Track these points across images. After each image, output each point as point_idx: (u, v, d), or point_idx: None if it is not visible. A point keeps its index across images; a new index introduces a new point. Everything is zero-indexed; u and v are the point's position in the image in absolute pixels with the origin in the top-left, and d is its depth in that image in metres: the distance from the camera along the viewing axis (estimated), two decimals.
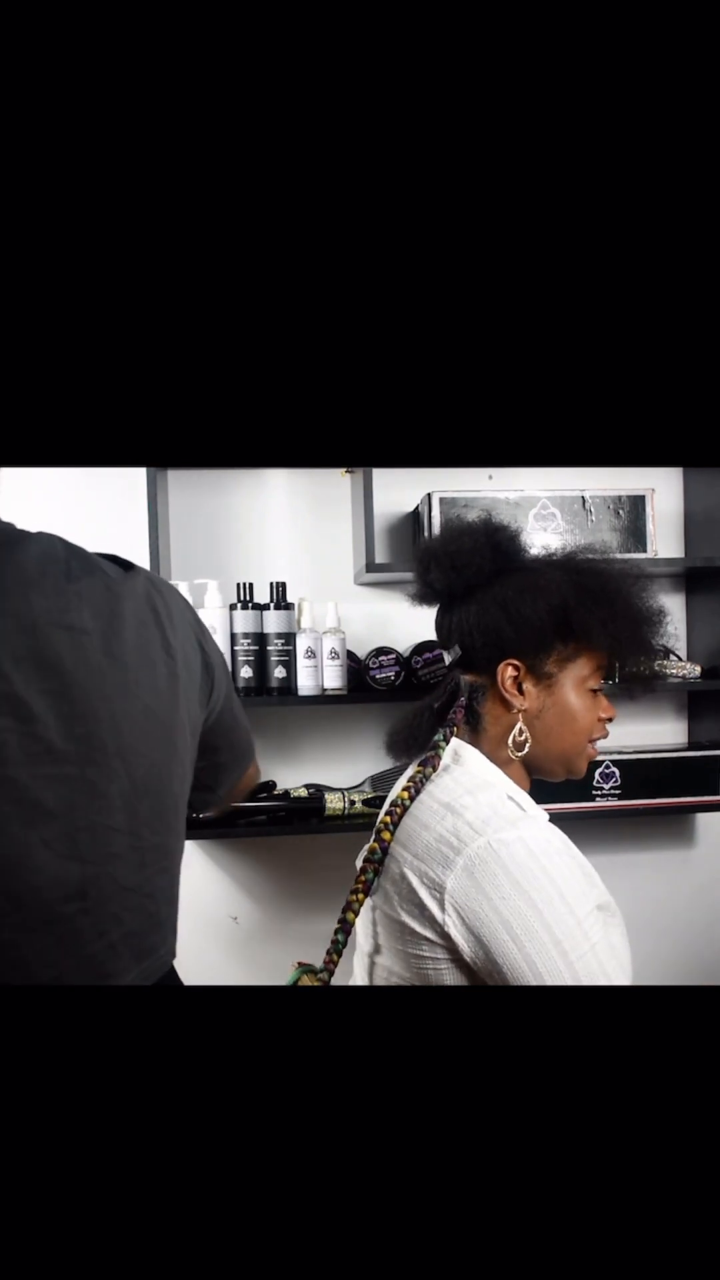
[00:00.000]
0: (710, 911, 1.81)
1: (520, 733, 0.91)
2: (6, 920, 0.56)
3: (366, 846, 0.92)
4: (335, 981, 0.93)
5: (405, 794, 0.88)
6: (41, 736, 0.60)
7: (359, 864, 0.92)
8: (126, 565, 0.75)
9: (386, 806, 0.92)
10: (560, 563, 0.96)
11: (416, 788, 0.88)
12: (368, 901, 0.89)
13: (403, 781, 0.93)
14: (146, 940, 0.67)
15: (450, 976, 0.82)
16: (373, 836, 0.90)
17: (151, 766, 0.67)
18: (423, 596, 1.00)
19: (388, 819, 0.88)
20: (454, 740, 0.92)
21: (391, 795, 0.96)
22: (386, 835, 0.87)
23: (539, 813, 0.88)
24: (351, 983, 0.96)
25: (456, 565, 0.93)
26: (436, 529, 1.52)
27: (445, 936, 0.80)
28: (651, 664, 1.00)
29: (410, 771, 0.92)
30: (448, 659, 0.95)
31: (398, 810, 0.87)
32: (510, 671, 0.91)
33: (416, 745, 0.94)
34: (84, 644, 0.64)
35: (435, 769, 0.89)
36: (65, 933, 0.60)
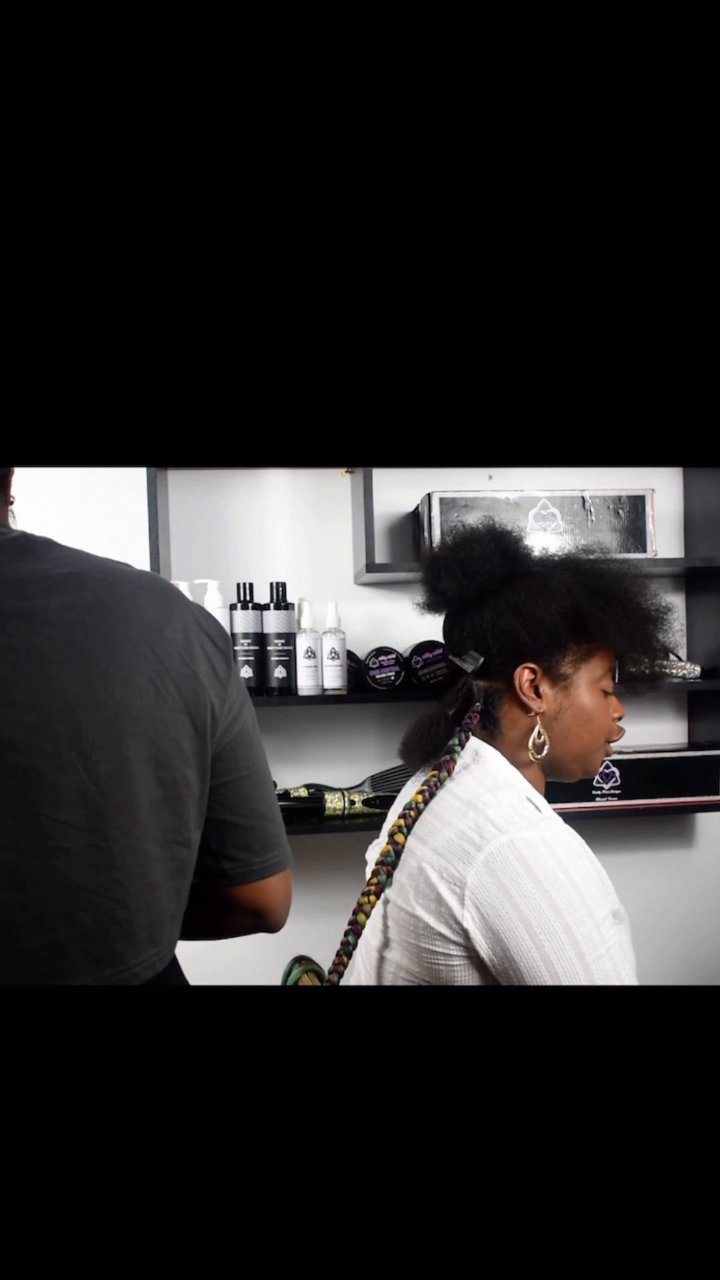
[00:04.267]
0: (710, 911, 1.81)
1: (539, 735, 0.92)
2: None
3: (377, 847, 0.92)
4: (341, 982, 0.93)
5: (420, 797, 0.88)
6: None
7: (369, 865, 0.92)
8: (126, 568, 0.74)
9: (400, 809, 0.91)
10: (566, 564, 0.96)
11: (431, 790, 0.88)
12: (376, 902, 0.89)
13: (416, 785, 0.93)
14: (109, 946, 0.64)
15: (462, 974, 0.82)
16: (385, 839, 0.90)
17: (121, 764, 0.65)
18: (433, 605, 1.01)
19: (401, 822, 0.88)
20: (472, 740, 0.92)
21: (404, 798, 0.96)
22: (401, 838, 0.87)
23: (554, 816, 0.88)
24: (356, 979, 0.96)
25: (468, 572, 0.94)
26: (436, 529, 1.53)
27: (463, 932, 0.80)
28: (656, 661, 1.00)
29: (424, 775, 0.92)
30: (466, 667, 0.94)
31: (412, 814, 0.87)
32: (527, 675, 0.91)
33: (433, 752, 0.94)
34: (43, 633, 0.63)
35: (450, 773, 0.89)
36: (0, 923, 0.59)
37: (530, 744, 0.92)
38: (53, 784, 0.60)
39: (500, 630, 0.92)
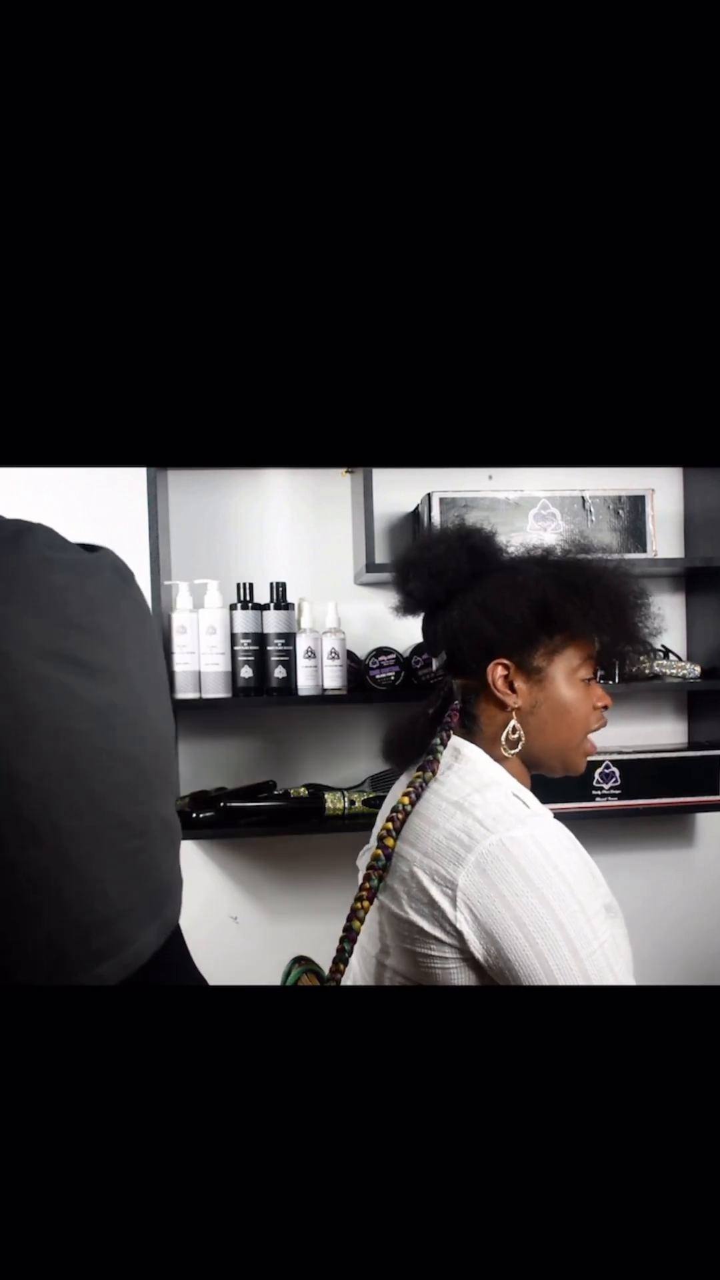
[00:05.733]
0: (710, 911, 1.81)
1: (514, 730, 0.92)
2: (93, 858, 0.59)
3: (368, 852, 0.92)
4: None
5: (406, 799, 0.88)
6: (99, 691, 0.63)
7: (361, 870, 0.92)
8: (92, 548, 0.78)
9: (387, 813, 0.91)
10: (538, 559, 0.96)
11: (417, 792, 0.88)
12: (371, 906, 0.89)
13: (401, 786, 0.93)
14: (179, 873, 0.70)
15: (457, 975, 0.82)
16: (375, 843, 0.90)
17: (164, 719, 0.70)
18: (405, 607, 1.01)
19: (389, 825, 0.87)
20: (454, 738, 0.92)
21: (391, 801, 0.95)
22: (390, 841, 0.87)
23: (543, 810, 0.88)
24: (353, 984, 0.96)
25: (434, 572, 0.94)
26: (436, 529, 1.53)
27: (457, 934, 0.80)
28: (640, 647, 1.00)
29: (409, 776, 0.92)
30: (436, 665, 0.95)
31: (399, 816, 0.87)
32: (500, 671, 0.91)
33: (413, 751, 0.95)
34: (101, 610, 0.67)
35: (434, 773, 0.89)
36: (134, 867, 0.63)
37: (504, 739, 0.92)
38: (143, 738, 0.66)
39: (469, 628, 0.92)
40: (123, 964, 0.55)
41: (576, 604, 0.90)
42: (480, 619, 0.91)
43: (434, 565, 0.94)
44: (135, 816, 0.63)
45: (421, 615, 1.01)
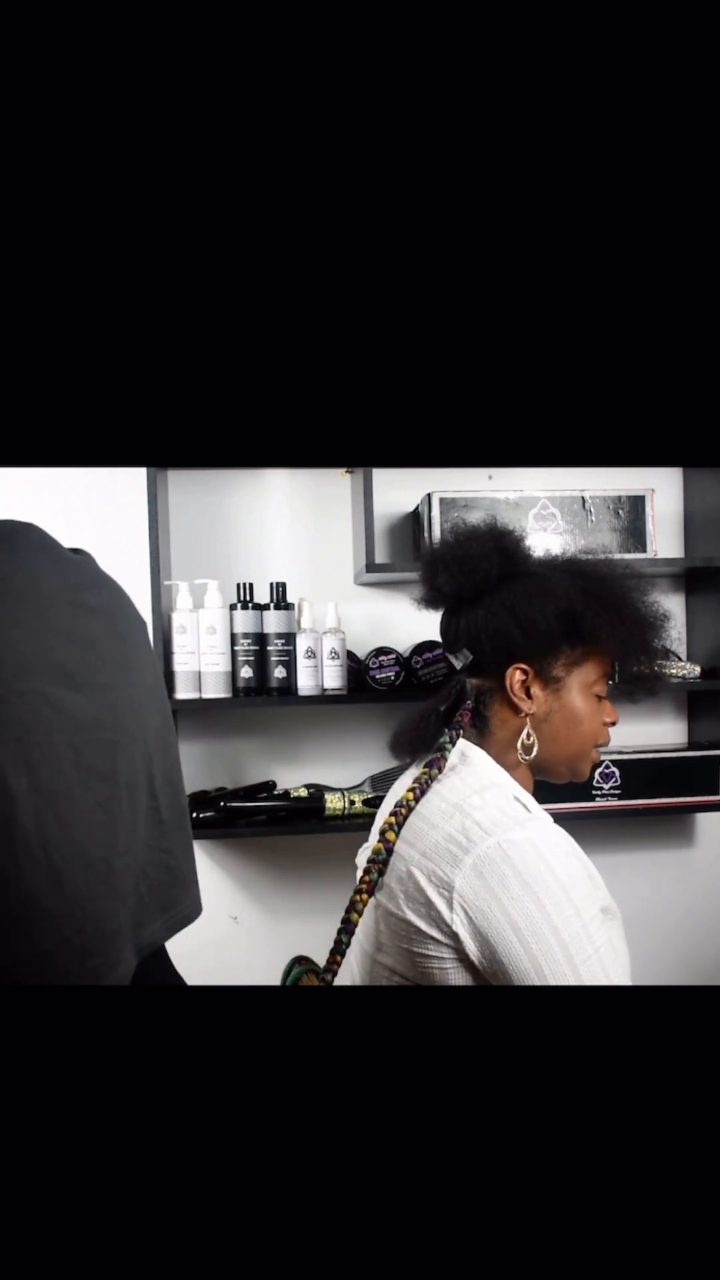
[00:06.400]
0: (710, 911, 1.81)
1: (528, 736, 0.92)
2: (82, 878, 0.59)
3: (369, 847, 0.92)
4: (336, 982, 0.93)
5: (410, 795, 0.88)
6: (84, 704, 0.62)
7: (360, 864, 0.92)
8: (75, 552, 0.78)
9: (390, 807, 0.92)
10: (564, 566, 0.97)
11: (422, 789, 0.88)
12: (369, 901, 0.89)
13: (407, 782, 0.93)
14: (168, 893, 0.69)
15: (454, 976, 0.82)
16: (376, 837, 0.90)
17: (157, 730, 0.69)
18: (430, 601, 1.01)
19: (392, 819, 0.88)
20: (460, 741, 0.92)
21: (395, 796, 0.96)
22: (391, 836, 0.87)
23: (543, 814, 0.88)
24: (350, 980, 0.96)
25: (465, 570, 0.94)
26: (436, 529, 1.53)
27: (452, 935, 0.80)
28: (654, 667, 1.01)
29: (415, 772, 0.92)
30: (457, 664, 0.95)
31: (403, 811, 0.88)
32: (519, 675, 0.92)
33: (422, 747, 0.95)
34: (95, 621, 0.67)
35: (441, 770, 0.90)
36: (114, 885, 0.62)
37: (519, 745, 0.92)
38: (130, 755, 0.64)
39: (494, 629, 0.92)
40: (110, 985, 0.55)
41: (606, 618, 0.91)
42: (506, 621, 0.91)
43: (465, 563, 0.94)
44: (117, 835, 0.62)
45: (442, 610, 1.01)
